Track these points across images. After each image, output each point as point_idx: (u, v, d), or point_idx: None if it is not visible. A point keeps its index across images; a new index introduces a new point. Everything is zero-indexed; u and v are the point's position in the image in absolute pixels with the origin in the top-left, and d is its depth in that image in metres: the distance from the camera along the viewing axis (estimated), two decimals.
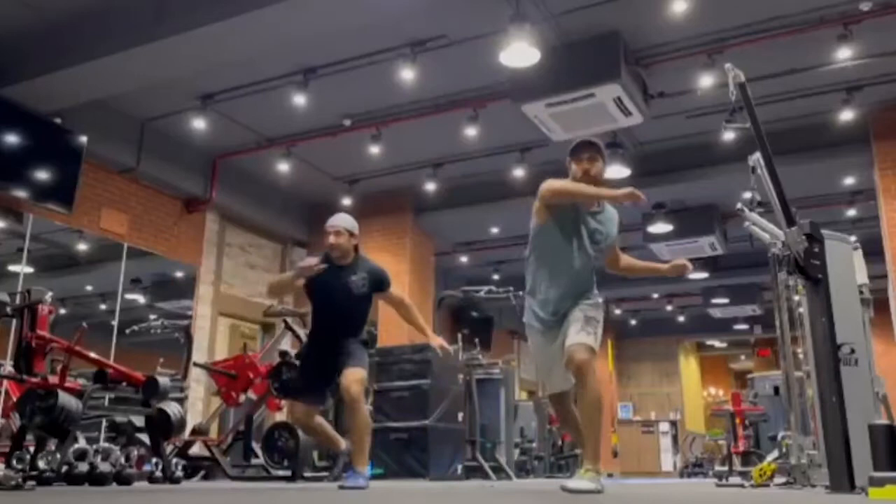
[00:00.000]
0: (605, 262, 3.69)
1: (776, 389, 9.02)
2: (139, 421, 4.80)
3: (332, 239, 4.19)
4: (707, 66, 6.41)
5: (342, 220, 4.26)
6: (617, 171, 8.01)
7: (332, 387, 4.23)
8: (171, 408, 4.62)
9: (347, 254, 4.21)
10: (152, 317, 8.10)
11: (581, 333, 3.25)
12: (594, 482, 3.04)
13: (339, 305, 4.20)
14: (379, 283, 4.27)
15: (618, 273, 3.86)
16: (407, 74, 6.51)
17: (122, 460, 4.34)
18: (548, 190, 3.40)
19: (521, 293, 8.54)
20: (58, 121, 6.70)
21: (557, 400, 3.53)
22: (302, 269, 4.06)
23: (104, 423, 5.46)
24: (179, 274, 8.66)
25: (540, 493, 3.56)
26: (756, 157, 3.71)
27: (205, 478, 5.61)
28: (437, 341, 4.21)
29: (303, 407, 4.17)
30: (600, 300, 3.51)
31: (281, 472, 5.26)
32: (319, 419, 4.30)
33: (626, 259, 3.82)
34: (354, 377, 3.97)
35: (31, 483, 3.45)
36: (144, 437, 4.78)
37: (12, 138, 6.40)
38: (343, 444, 4.37)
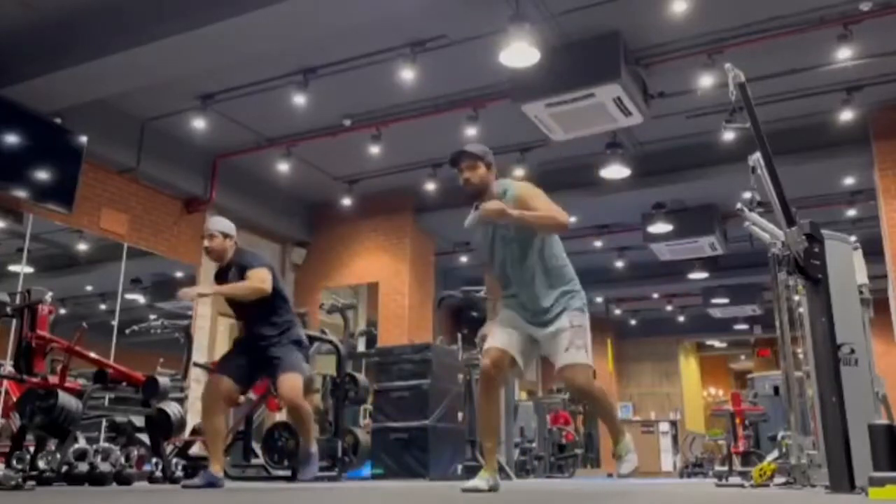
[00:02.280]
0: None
1: (776, 389, 9.02)
2: (139, 421, 4.80)
3: (205, 243, 4.20)
4: (707, 66, 6.41)
5: (214, 223, 4.24)
6: (617, 171, 8.02)
7: (254, 379, 4.23)
8: (171, 408, 4.63)
9: (223, 255, 4.18)
10: (152, 317, 8.10)
11: (571, 351, 3.18)
12: (634, 458, 3.36)
13: (238, 305, 4.10)
14: (243, 269, 4.05)
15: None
16: (407, 74, 6.51)
17: (122, 460, 4.35)
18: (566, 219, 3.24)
19: None
20: (58, 121, 6.70)
21: (496, 357, 3.27)
22: (182, 296, 3.96)
23: (104, 423, 5.45)
24: (179, 274, 8.66)
25: (541, 493, 3.56)
26: (756, 157, 3.70)
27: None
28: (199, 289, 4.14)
29: (217, 379, 4.04)
30: (583, 299, 3.33)
31: (281, 472, 5.26)
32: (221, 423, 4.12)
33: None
34: (291, 385, 3.88)
35: (31, 483, 3.45)
36: (144, 437, 4.78)
37: (12, 138, 6.40)
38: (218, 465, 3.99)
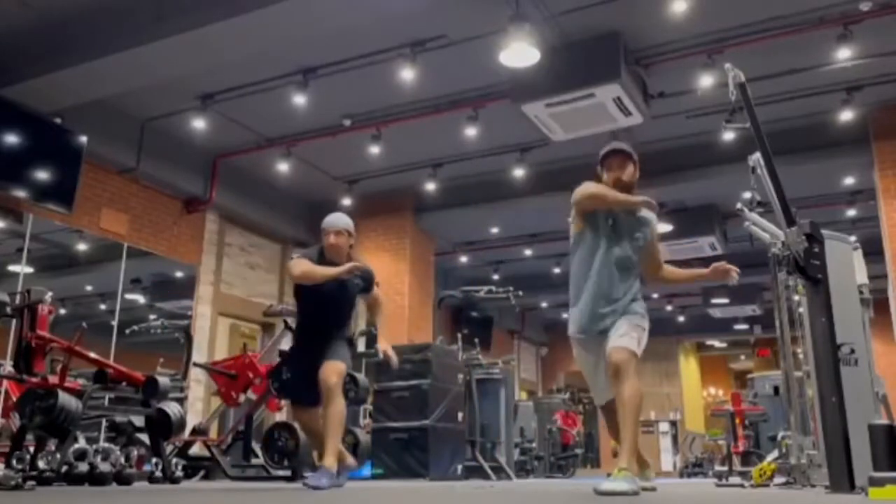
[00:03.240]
0: (644, 271, 3.67)
1: (776, 389, 9.02)
2: (139, 421, 4.80)
3: (332, 239, 4.19)
4: (707, 66, 6.41)
5: (343, 221, 4.26)
6: None
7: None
8: (171, 408, 4.62)
9: (344, 254, 4.21)
10: (152, 317, 8.11)
11: (624, 338, 3.29)
12: (629, 483, 2.93)
13: (331, 304, 4.21)
14: (370, 283, 4.33)
15: (658, 282, 3.86)
16: (407, 74, 6.51)
17: (122, 460, 4.34)
18: (581, 195, 3.43)
19: (520, 293, 8.58)
20: (58, 121, 6.70)
21: (605, 409, 3.51)
22: (350, 270, 3.99)
23: (104, 423, 5.45)
24: (179, 274, 8.66)
25: (541, 493, 3.56)
26: (756, 157, 3.70)
27: (205, 478, 5.61)
28: (385, 347, 4.28)
29: (303, 410, 4.20)
30: (645, 313, 3.51)
31: (281, 472, 5.26)
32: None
33: (668, 268, 3.79)
34: (333, 369, 4.00)
35: (31, 483, 3.45)
36: (144, 437, 4.77)
37: (12, 138, 6.39)
38: (349, 459, 4.31)
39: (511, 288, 8.53)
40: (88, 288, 8.06)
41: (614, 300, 3.40)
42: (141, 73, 6.12)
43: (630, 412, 3.16)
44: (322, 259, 4.18)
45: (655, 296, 14.49)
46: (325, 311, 4.24)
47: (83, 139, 6.83)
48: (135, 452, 4.63)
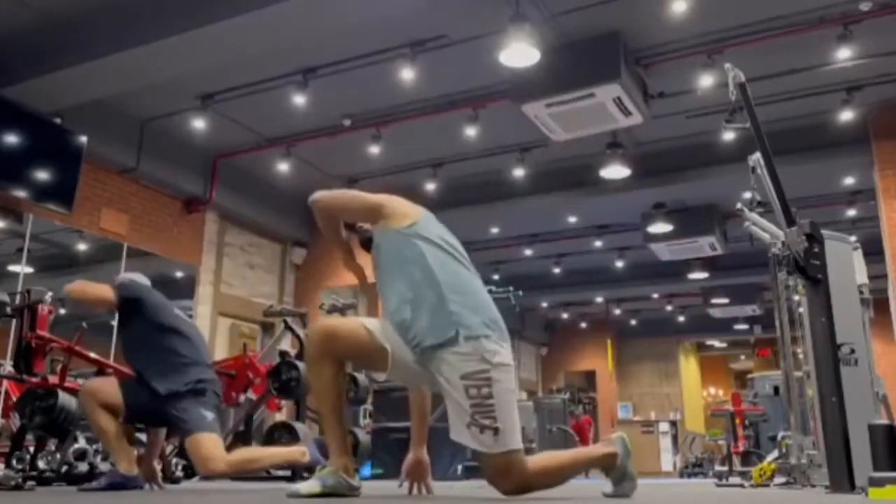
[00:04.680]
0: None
1: (776, 389, 9.02)
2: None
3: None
4: (707, 66, 6.41)
5: None
6: (617, 171, 8.01)
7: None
8: None
9: None
10: None
11: (475, 433, 2.20)
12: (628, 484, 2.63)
13: None
14: None
15: None
16: (407, 74, 6.50)
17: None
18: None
19: (520, 293, 8.58)
20: (58, 121, 6.69)
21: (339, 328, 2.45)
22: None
23: None
24: (179, 274, 8.66)
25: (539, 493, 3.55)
26: (756, 157, 3.71)
27: (205, 478, 5.61)
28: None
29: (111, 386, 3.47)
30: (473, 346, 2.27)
31: (281, 472, 5.26)
32: None
33: None
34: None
35: (31, 483, 3.46)
36: (144, 437, 4.77)
37: (12, 138, 6.39)
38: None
39: (511, 288, 8.52)
40: None
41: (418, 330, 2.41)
42: (141, 73, 6.12)
43: (569, 469, 2.54)
44: None
45: (655, 296, 14.51)
46: None
47: (83, 139, 6.83)
48: (134, 452, 4.62)
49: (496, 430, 2.19)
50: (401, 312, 2.37)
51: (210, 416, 3.39)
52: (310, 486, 2.34)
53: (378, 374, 2.43)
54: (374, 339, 2.36)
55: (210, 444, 3.29)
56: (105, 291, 3.56)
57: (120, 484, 3.30)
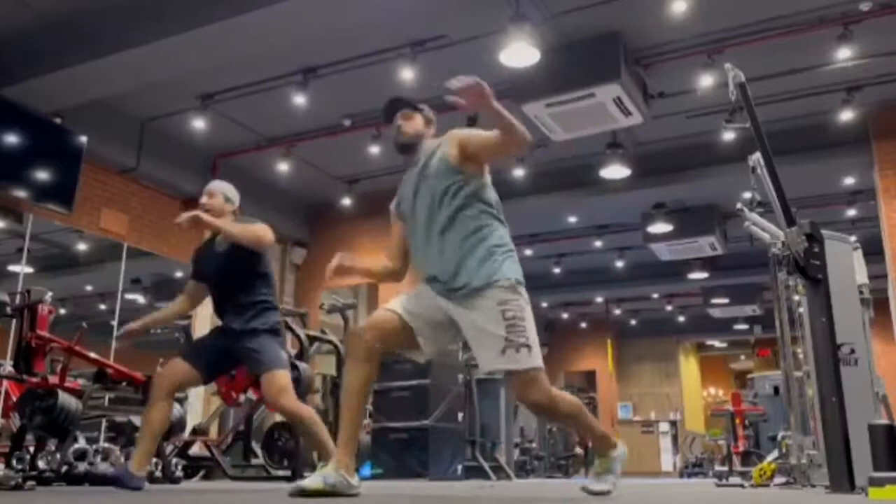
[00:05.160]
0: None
1: (776, 389, 9.02)
2: (139, 421, 4.79)
3: (203, 199, 4.10)
4: (707, 66, 6.41)
5: (215, 183, 4.20)
6: (617, 171, 8.01)
7: (222, 370, 3.78)
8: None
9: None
10: None
11: (510, 354, 2.47)
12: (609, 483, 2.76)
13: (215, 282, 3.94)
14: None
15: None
16: (407, 74, 6.50)
17: (122, 460, 4.34)
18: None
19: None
20: (58, 121, 6.70)
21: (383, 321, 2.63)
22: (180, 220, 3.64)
23: (104, 423, 5.45)
24: (179, 274, 8.65)
25: (540, 493, 3.56)
26: (756, 157, 3.71)
27: (205, 478, 5.62)
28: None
29: (176, 365, 3.50)
30: (509, 279, 2.64)
31: (281, 472, 5.26)
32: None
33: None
34: (276, 385, 3.42)
35: (31, 483, 3.45)
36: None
37: (12, 138, 6.39)
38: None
39: None
40: (88, 288, 8.07)
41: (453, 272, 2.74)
42: (141, 73, 6.12)
43: (583, 421, 2.73)
44: None
45: (656, 296, 14.51)
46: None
47: (83, 139, 6.83)
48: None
49: (529, 348, 2.50)
50: (453, 260, 2.66)
51: (285, 355, 3.63)
52: (313, 481, 2.44)
53: (416, 355, 2.69)
54: (403, 321, 2.62)
55: (285, 381, 3.48)
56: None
57: (122, 480, 3.31)
